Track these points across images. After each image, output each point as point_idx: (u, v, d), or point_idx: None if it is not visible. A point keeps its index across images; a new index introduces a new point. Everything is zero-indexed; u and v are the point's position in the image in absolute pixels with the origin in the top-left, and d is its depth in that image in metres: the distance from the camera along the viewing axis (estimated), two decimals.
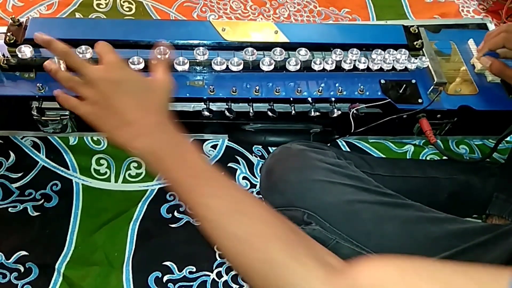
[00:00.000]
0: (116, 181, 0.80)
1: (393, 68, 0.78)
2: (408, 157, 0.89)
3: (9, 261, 0.70)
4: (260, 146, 0.87)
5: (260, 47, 0.75)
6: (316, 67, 0.76)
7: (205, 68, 0.75)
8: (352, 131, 0.77)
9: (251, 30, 0.77)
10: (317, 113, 0.75)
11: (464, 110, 0.78)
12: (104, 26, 0.77)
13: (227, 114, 0.73)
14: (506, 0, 1.20)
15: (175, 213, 0.78)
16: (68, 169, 0.80)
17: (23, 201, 0.76)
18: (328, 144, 0.81)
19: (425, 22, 1.08)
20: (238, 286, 0.72)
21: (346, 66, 0.76)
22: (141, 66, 0.71)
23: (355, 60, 0.77)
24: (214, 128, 0.84)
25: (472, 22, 1.04)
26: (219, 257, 0.74)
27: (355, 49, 0.77)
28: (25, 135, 0.83)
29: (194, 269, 0.72)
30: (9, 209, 0.75)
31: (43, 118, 0.74)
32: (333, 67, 0.76)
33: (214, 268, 0.73)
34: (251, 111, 0.74)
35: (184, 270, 0.72)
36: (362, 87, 0.76)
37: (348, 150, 0.88)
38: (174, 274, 0.72)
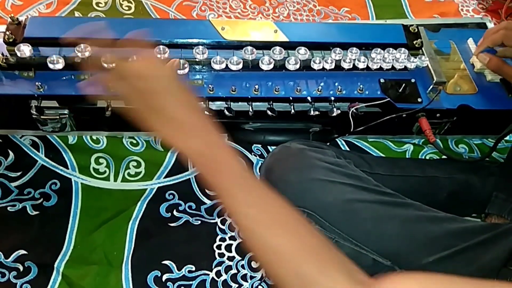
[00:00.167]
0: (115, 180, 0.80)
1: (393, 67, 0.78)
2: (407, 156, 0.89)
3: (8, 260, 0.70)
4: (260, 145, 0.87)
5: (260, 46, 0.75)
6: (315, 66, 0.75)
7: (204, 67, 0.75)
8: (352, 130, 0.77)
9: (251, 29, 0.77)
10: (317, 112, 0.75)
11: (464, 109, 0.78)
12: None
13: (227, 113, 0.73)
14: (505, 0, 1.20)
15: (174, 212, 0.78)
16: (67, 168, 0.80)
17: (22, 200, 0.76)
18: (328, 143, 0.81)
19: (424, 21, 1.08)
20: (237, 285, 0.72)
21: (345, 65, 0.76)
22: None
23: (354, 59, 0.77)
24: None
25: (472, 22, 1.04)
26: (218, 256, 0.74)
27: (354, 48, 0.77)
28: (24, 134, 0.83)
29: (193, 268, 0.72)
30: (8, 208, 0.75)
31: (42, 117, 0.73)
32: (333, 66, 0.76)
33: (213, 267, 0.73)
34: (251, 110, 0.74)
35: (183, 269, 0.72)
36: (361, 86, 0.76)
37: (348, 149, 0.88)
38: (173, 273, 0.72)
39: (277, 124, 0.83)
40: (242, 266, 0.74)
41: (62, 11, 1.05)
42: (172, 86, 0.51)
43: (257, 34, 0.77)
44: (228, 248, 0.75)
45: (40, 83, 0.70)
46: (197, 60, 0.74)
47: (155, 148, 0.85)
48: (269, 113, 0.74)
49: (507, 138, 0.88)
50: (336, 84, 0.76)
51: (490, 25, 1.01)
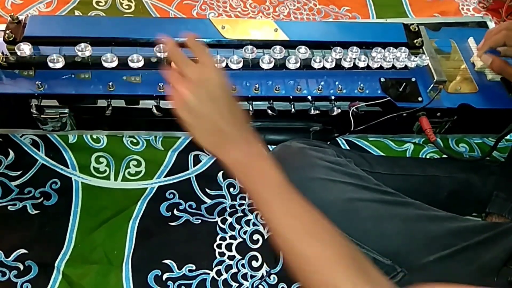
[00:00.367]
0: (115, 179, 0.80)
1: (393, 66, 0.78)
2: (407, 156, 0.89)
3: (9, 259, 0.70)
4: None
5: (260, 45, 0.75)
6: (316, 65, 0.75)
7: None
8: (352, 129, 0.77)
9: (251, 28, 0.77)
10: (317, 111, 0.75)
11: (464, 109, 0.78)
12: (103, 24, 0.76)
13: None
14: None
15: (175, 211, 0.78)
16: (68, 167, 0.80)
17: (22, 199, 0.76)
18: (328, 142, 0.81)
19: (425, 20, 1.08)
20: (237, 285, 0.72)
21: (346, 64, 0.76)
22: (141, 64, 0.71)
23: (355, 58, 0.77)
24: None
25: (472, 21, 1.04)
26: (219, 255, 0.74)
27: (355, 47, 0.76)
28: (24, 133, 0.83)
29: (194, 267, 0.72)
30: (9, 207, 0.75)
31: (42, 116, 0.73)
32: (333, 65, 0.76)
33: (213, 266, 0.73)
34: (251, 109, 0.74)
35: (183, 268, 0.72)
36: (362, 85, 0.76)
37: (348, 148, 0.88)
38: (173, 272, 0.72)
39: (277, 123, 0.83)
40: (243, 265, 0.74)
41: (62, 10, 1.05)
42: (223, 95, 0.51)
43: (258, 33, 0.77)
44: (229, 247, 0.75)
45: (40, 82, 0.70)
46: (197, 59, 0.73)
47: (156, 147, 0.85)
48: (270, 112, 0.74)
49: (507, 137, 0.88)
50: (337, 83, 0.76)
51: (491, 24, 1.01)
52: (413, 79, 0.79)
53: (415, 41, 0.80)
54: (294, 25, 0.82)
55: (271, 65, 0.74)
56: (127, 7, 1.08)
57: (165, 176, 0.82)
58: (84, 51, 0.69)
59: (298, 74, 0.76)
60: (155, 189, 0.80)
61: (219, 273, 0.73)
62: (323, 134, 0.84)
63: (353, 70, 0.78)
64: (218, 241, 0.75)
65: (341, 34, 0.79)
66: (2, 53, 0.71)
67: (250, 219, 0.78)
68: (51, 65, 0.69)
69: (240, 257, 0.74)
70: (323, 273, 0.43)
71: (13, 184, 0.77)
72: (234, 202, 0.80)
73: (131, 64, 0.70)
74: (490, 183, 0.76)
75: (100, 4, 1.07)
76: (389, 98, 0.75)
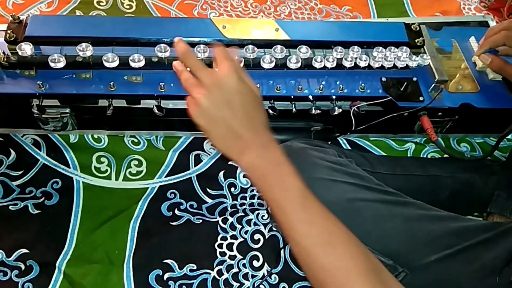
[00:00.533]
0: (116, 179, 0.80)
1: (394, 66, 0.78)
2: (409, 155, 0.89)
3: (10, 259, 0.70)
4: None
5: (261, 44, 0.75)
6: (317, 65, 0.75)
7: None
8: (353, 129, 0.77)
9: (252, 28, 0.77)
10: (318, 111, 0.75)
11: (466, 108, 0.78)
12: (104, 24, 0.76)
13: None
14: None
15: (176, 211, 0.78)
16: (69, 167, 0.80)
17: (23, 199, 0.76)
18: (329, 142, 0.81)
19: (426, 19, 1.07)
20: (238, 284, 0.72)
21: (347, 64, 0.76)
22: (142, 63, 0.71)
23: (356, 58, 0.76)
24: None
25: (474, 20, 1.04)
26: (220, 255, 0.74)
27: (356, 47, 0.76)
28: (25, 133, 0.83)
29: (195, 267, 0.72)
30: (10, 207, 0.75)
31: (43, 115, 0.73)
32: (334, 65, 0.76)
33: (214, 266, 0.73)
34: None
35: (184, 268, 0.72)
36: (363, 84, 0.76)
37: (349, 148, 0.88)
38: (174, 272, 0.72)
39: (278, 123, 0.82)
40: (244, 265, 0.74)
41: (63, 9, 1.05)
42: (239, 98, 0.49)
43: (258, 32, 0.77)
44: (230, 247, 0.75)
45: (41, 82, 0.70)
46: (198, 58, 0.74)
47: (157, 147, 0.85)
48: (271, 112, 0.74)
49: (509, 136, 0.88)
50: (338, 82, 0.76)
51: (492, 23, 1.01)
52: (414, 79, 0.78)
53: (416, 40, 0.80)
54: (295, 25, 0.82)
55: (272, 64, 0.74)
56: (128, 7, 1.08)
57: (166, 176, 0.82)
58: (85, 51, 0.69)
59: (299, 74, 0.76)
60: (156, 189, 0.80)
61: (220, 272, 0.73)
62: (324, 133, 0.84)
63: (354, 70, 0.77)
64: (219, 241, 0.75)
65: (342, 34, 0.79)
66: (4, 53, 0.71)
67: (251, 219, 0.78)
68: (52, 65, 0.69)
69: (241, 257, 0.74)
70: (340, 283, 0.42)
71: (15, 184, 0.78)
72: (235, 202, 0.80)
73: (132, 64, 0.70)
74: (491, 183, 0.76)
75: (101, 4, 1.07)
76: (390, 97, 0.75)
